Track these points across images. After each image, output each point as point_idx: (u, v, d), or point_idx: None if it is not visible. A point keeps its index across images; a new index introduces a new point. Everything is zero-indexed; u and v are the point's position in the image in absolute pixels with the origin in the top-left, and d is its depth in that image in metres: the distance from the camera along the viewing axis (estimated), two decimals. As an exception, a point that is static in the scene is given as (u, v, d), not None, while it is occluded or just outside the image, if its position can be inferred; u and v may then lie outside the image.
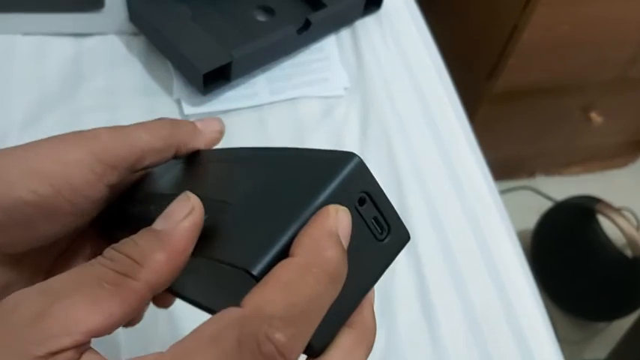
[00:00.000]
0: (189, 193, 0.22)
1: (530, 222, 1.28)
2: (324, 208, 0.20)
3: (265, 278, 0.19)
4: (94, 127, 0.32)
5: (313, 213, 0.20)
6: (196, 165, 0.28)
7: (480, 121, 1.12)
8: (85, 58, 0.54)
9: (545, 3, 0.93)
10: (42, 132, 0.48)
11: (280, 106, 0.54)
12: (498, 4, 1.03)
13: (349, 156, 0.21)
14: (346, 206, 0.20)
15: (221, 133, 0.29)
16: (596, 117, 1.23)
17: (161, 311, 0.40)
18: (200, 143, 0.28)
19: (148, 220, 0.22)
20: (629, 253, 1.16)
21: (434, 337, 0.43)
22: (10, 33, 0.54)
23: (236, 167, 0.25)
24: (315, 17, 0.56)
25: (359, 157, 0.21)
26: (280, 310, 0.18)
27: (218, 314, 0.18)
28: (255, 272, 0.19)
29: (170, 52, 0.53)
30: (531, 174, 1.43)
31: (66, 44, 0.55)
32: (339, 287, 0.20)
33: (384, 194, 0.22)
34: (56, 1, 0.54)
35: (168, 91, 0.53)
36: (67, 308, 0.18)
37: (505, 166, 1.29)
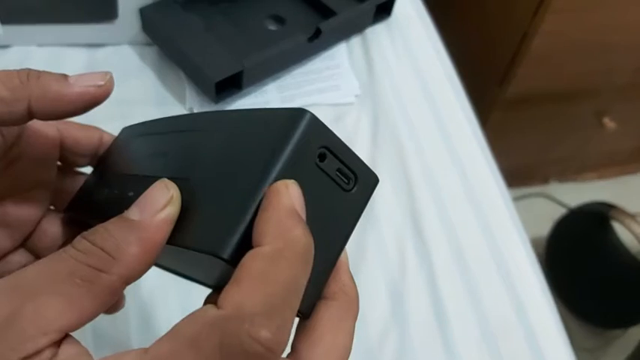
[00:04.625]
0: (166, 181, 0.21)
1: (544, 229, 1.27)
2: (274, 187, 0.19)
3: (238, 274, 0.18)
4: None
5: (274, 181, 0.19)
6: (154, 139, 0.27)
7: (492, 127, 1.11)
8: (99, 68, 0.55)
9: (556, 10, 0.93)
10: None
11: (292, 114, 0.54)
12: (509, 11, 1.03)
13: (299, 114, 0.20)
14: (307, 166, 0.20)
15: (101, 87, 0.25)
16: (609, 123, 1.23)
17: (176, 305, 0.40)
18: (67, 95, 0.25)
19: (117, 205, 0.21)
20: (644, 259, 1.14)
21: (446, 343, 0.43)
22: (25, 44, 0.55)
23: (192, 137, 0.25)
24: (326, 25, 0.56)
25: (310, 113, 0.20)
26: (260, 305, 0.17)
27: (195, 313, 0.18)
28: (225, 256, 0.18)
29: (182, 61, 0.53)
30: (545, 181, 1.42)
31: (80, 54, 0.56)
32: (311, 262, 0.19)
33: (343, 143, 0.21)
34: (70, 13, 0.54)
35: (181, 99, 0.54)
36: (40, 307, 0.18)
37: (518, 173, 1.29)
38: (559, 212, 1.27)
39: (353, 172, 0.21)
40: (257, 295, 0.17)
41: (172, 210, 0.20)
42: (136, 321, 0.40)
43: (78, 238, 0.20)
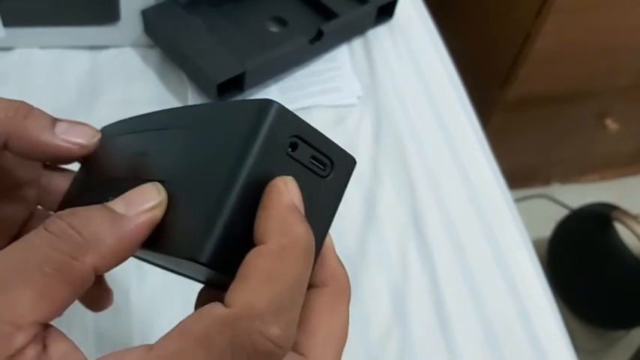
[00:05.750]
0: (158, 185, 0.21)
1: (546, 230, 1.27)
2: (273, 184, 0.19)
3: (244, 272, 0.18)
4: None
5: (246, 178, 0.19)
6: (131, 139, 0.27)
7: (493, 129, 1.11)
8: (102, 71, 0.55)
9: (558, 11, 0.93)
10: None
11: (293, 116, 0.54)
12: (511, 13, 1.03)
13: (265, 105, 0.19)
14: (279, 157, 0.20)
15: (83, 148, 0.25)
16: (611, 124, 1.22)
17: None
18: (45, 145, 0.24)
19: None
20: (646, 260, 1.14)
21: (449, 346, 0.43)
22: (28, 46, 0.55)
23: (164, 136, 0.24)
24: (328, 27, 0.56)
25: (277, 103, 0.19)
26: (269, 303, 0.17)
27: (203, 311, 0.18)
28: (204, 260, 0.18)
29: (184, 63, 0.53)
30: (547, 182, 1.42)
31: (82, 57, 0.56)
32: (313, 257, 0.19)
33: (314, 129, 0.21)
34: (73, 15, 0.54)
35: (183, 101, 0.54)
36: (11, 302, 0.17)
37: (520, 175, 1.28)
38: (561, 213, 1.27)
39: (328, 158, 0.21)
40: (265, 293, 0.17)
41: (157, 213, 0.20)
42: (137, 321, 0.40)
43: (52, 218, 0.19)
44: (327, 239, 0.22)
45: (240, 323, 0.17)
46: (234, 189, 0.19)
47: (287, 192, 0.19)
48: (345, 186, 0.22)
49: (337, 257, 0.22)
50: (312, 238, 0.19)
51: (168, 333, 0.17)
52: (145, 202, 0.20)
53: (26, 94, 0.52)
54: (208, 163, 0.20)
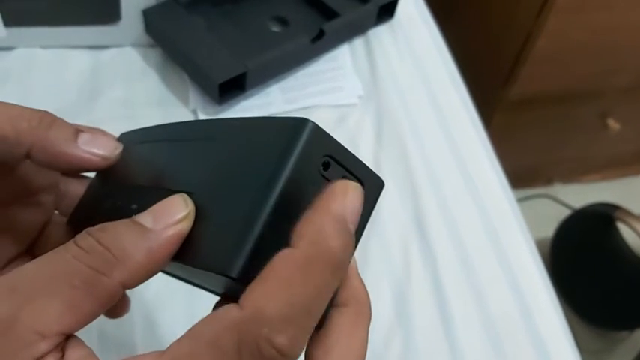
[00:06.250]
0: (185, 197, 0.21)
1: (549, 230, 1.27)
2: (331, 189, 0.18)
3: (264, 274, 0.17)
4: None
5: (279, 195, 0.19)
6: (155, 147, 0.27)
7: (496, 129, 1.11)
8: (103, 70, 0.55)
9: (560, 10, 0.93)
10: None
11: (295, 115, 0.54)
12: (513, 12, 1.03)
13: (302, 123, 0.20)
14: (312, 176, 0.20)
15: (105, 161, 0.25)
16: (613, 124, 1.22)
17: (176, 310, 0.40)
18: (68, 156, 0.24)
19: (120, 218, 0.20)
20: (649, 260, 1.14)
21: (452, 345, 0.42)
22: (29, 46, 0.55)
23: (193, 148, 0.24)
24: (329, 27, 0.56)
25: (312, 122, 0.20)
26: (281, 310, 0.17)
27: (216, 314, 0.17)
28: (234, 275, 0.18)
29: (186, 63, 0.53)
30: (549, 182, 1.42)
31: (84, 57, 0.56)
32: (342, 276, 0.18)
33: (346, 150, 0.21)
34: (74, 15, 0.54)
35: (184, 101, 0.54)
36: (38, 311, 0.18)
37: (522, 175, 1.28)
38: (563, 213, 1.27)
39: (358, 179, 0.21)
40: (280, 299, 0.17)
41: (186, 226, 0.20)
42: (141, 322, 0.40)
43: (83, 234, 0.19)
44: (352, 262, 0.22)
45: (249, 327, 0.16)
46: (267, 205, 0.19)
47: (342, 200, 0.18)
48: (373, 208, 0.22)
49: (360, 279, 0.22)
50: (347, 255, 0.18)
51: (181, 336, 0.17)
52: (172, 215, 0.20)
53: (27, 94, 0.52)
54: (239, 177, 0.20)
